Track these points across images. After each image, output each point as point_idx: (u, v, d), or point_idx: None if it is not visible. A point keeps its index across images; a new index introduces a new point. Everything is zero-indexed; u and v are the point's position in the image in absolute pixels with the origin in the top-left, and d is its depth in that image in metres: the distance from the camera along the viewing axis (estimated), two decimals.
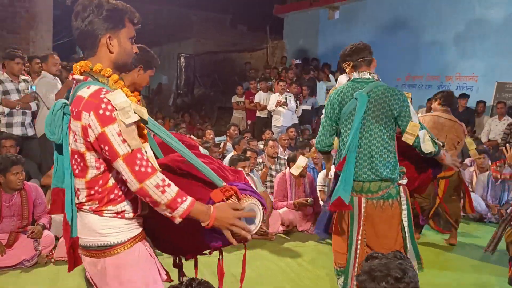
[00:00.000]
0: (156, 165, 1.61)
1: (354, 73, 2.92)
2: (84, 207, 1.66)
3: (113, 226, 1.65)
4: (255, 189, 1.83)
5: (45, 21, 9.72)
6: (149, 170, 1.53)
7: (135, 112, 1.56)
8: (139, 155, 1.54)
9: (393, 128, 2.82)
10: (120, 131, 1.52)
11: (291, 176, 5.28)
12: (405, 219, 2.83)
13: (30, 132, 5.32)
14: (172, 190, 1.56)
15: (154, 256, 1.78)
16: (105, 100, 1.53)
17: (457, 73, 9.60)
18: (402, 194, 2.84)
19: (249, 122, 9.61)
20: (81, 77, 1.65)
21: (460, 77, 9.65)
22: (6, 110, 5.08)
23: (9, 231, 3.84)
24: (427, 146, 2.78)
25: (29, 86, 5.36)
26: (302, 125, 8.96)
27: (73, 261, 1.80)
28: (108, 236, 1.65)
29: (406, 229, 2.83)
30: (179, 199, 1.55)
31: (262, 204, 1.76)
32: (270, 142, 6.05)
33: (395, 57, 10.04)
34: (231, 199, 1.69)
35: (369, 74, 2.87)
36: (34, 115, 5.42)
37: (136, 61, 2.84)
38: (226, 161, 5.05)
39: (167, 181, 1.56)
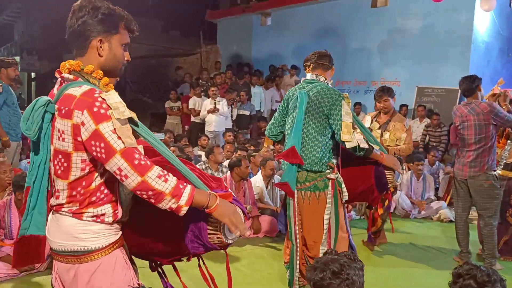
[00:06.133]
0: None
1: (308, 74, 3.11)
2: (63, 209, 1.60)
3: (91, 231, 1.59)
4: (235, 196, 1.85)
5: None
6: (148, 163, 1.52)
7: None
8: (136, 150, 1.52)
9: (325, 126, 2.92)
10: (115, 129, 1.50)
11: (232, 180, 5.30)
12: (326, 212, 2.90)
13: None
14: (173, 178, 1.54)
15: (130, 264, 1.73)
16: (99, 99, 1.52)
17: (382, 78, 10.16)
18: (329, 188, 2.91)
19: (186, 127, 9.45)
20: (71, 76, 1.62)
21: (384, 82, 10.19)
22: None
23: None
24: (346, 137, 2.80)
25: None
26: (239, 130, 9.00)
27: (22, 257, 1.71)
28: (86, 241, 1.59)
29: (326, 222, 2.90)
30: (181, 185, 1.54)
31: (243, 212, 1.76)
32: (216, 149, 6.02)
33: None
34: None
35: (316, 77, 3.04)
36: None
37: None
38: None
39: (165, 171, 1.55)
